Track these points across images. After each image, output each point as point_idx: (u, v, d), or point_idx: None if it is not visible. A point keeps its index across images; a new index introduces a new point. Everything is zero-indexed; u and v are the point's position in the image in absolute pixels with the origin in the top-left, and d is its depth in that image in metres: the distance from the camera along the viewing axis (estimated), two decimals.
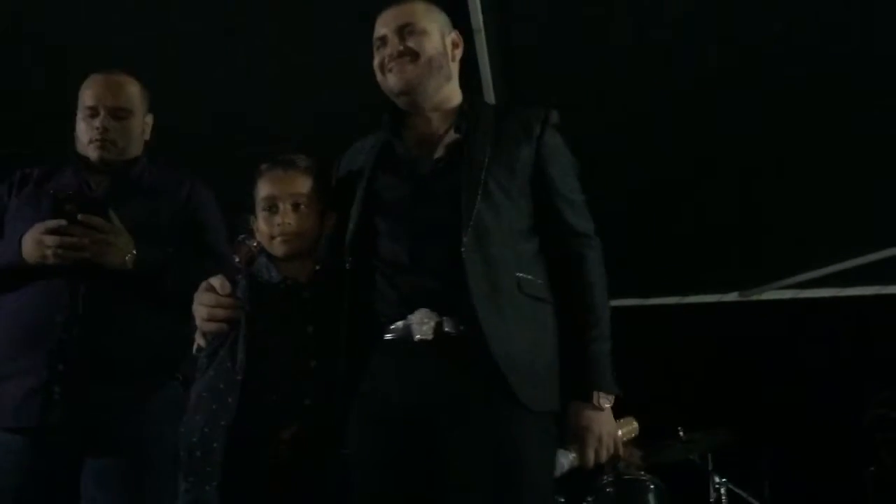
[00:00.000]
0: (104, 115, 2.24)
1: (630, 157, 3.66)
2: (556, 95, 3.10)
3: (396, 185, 1.84)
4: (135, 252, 2.10)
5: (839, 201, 3.97)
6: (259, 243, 2.03)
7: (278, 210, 1.91)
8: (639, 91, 3.28)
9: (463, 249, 1.68)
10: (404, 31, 1.86)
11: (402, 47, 1.84)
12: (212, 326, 1.86)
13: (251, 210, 2.00)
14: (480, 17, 2.90)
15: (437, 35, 1.89)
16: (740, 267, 4.88)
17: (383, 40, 1.88)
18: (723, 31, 2.95)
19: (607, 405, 1.74)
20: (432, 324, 1.69)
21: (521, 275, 1.74)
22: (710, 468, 4.01)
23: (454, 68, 1.94)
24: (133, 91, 2.30)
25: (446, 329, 1.69)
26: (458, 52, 1.95)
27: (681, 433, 3.95)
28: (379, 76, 1.90)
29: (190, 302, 2.17)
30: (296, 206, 1.91)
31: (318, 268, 1.94)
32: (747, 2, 2.82)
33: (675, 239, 4.39)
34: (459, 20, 2.82)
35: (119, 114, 2.25)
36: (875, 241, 4.43)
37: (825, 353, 4.78)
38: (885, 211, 4.04)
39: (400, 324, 1.74)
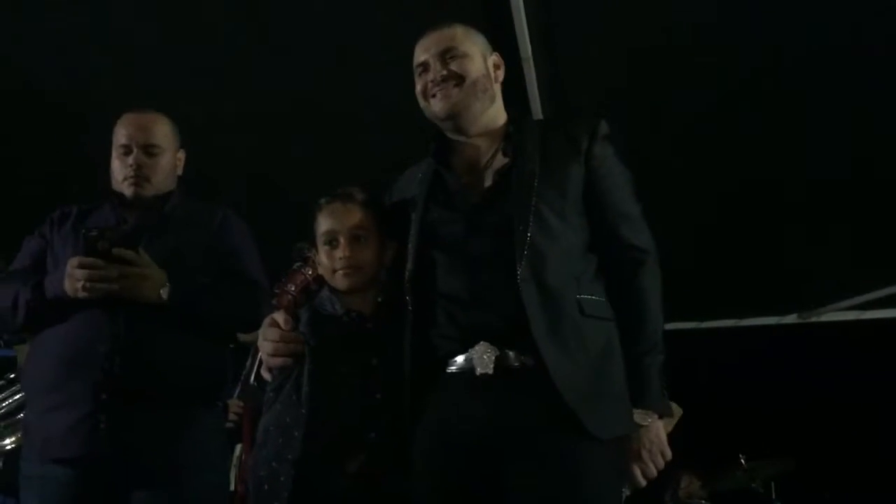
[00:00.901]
0: (137, 152, 2.30)
1: (688, 178, 3.62)
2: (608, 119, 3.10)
3: (449, 218, 1.83)
4: (168, 285, 2.15)
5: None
6: (314, 273, 2.05)
7: (339, 244, 1.93)
8: (691, 113, 3.25)
9: (519, 280, 1.67)
10: (446, 55, 1.85)
11: (445, 72, 1.84)
12: (277, 361, 1.87)
13: (311, 241, 2.03)
14: (529, 45, 2.92)
15: (479, 58, 1.89)
16: (798, 288, 4.78)
17: (425, 66, 1.88)
18: (779, 48, 2.91)
19: (650, 420, 1.70)
20: (493, 357, 1.68)
21: (582, 297, 1.71)
22: (773, 497, 3.92)
23: (497, 90, 1.93)
24: (164, 128, 2.37)
25: (508, 362, 1.68)
26: (501, 74, 1.95)
27: (742, 461, 3.88)
28: (422, 102, 1.90)
29: (226, 329, 2.24)
30: (356, 239, 1.93)
31: (380, 300, 1.95)
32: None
33: (732, 261, 4.32)
34: (507, 49, 2.88)
35: (151, 150, 2.32)
36: None
37: (890, 378, 4.64)
38: None
39: (461, 358, 1.73)
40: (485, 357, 1.68)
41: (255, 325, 2.07)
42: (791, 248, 4.21)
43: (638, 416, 1.69)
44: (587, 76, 3.15)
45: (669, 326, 5.44)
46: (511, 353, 1.68)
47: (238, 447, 3.27)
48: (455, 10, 2.69)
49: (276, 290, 2.34)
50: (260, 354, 1.94)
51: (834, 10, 2.69)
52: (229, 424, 3.43)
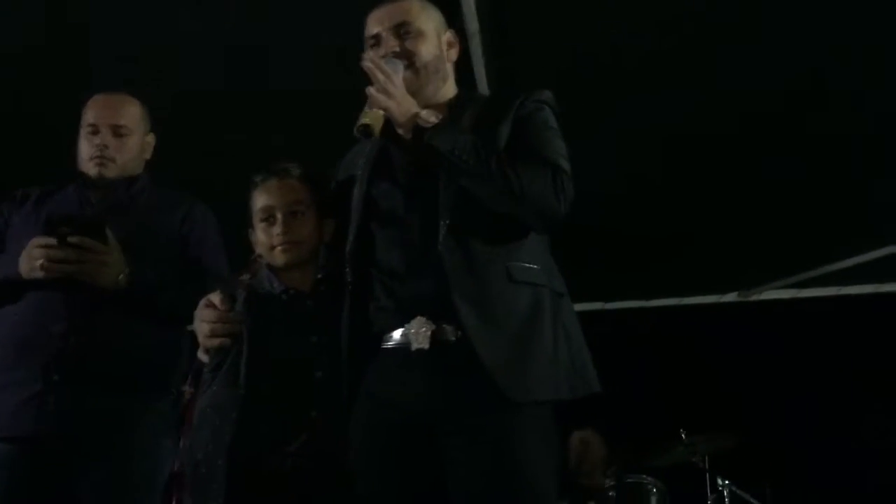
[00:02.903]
0: (105, 132, 2.28)
1: (627, 157, 3.64)
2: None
3: (391, 192, 1.81)
4: (127, 271, 2.12)
5: (837, 199, 3.96)
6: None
7: (276, 220, 1.90)
8: (636, 91, 3.26)
9: (440, 248, 1.65)
10: (400, 30, 1.81)
11: (398, 48, 1.80)
12: (214, 342, 1.85)
13: (248, 223, 1.99)
14: (476, 21, 2.89)
15: (434, 36, 1.85)
16: (738, 266, 4.87)
17: (377, 39, 1.83)
18: (727, 29, 2.93)
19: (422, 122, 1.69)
20: (429, 332, 1.66)
21: (511, 263, 1.69)
22: (708, 470, 4.00)
23: (450, 69, 1.91)
24: (133, 110, 2.36)
25: (443, 337, 1.66)
26: (454, 53, 1.92)
27: (683, 436, 3.95)
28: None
29: (184, 318, 2.16)
30: (293, 215, 1.91)
31: (319, 276, 1.93)
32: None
33: (673, 240, 4.38)
34: (454, 24, 2.84)
35: (119, 131, 2.30)
36: (872, 239, 4.43)
37: (825, 353, 4.77)
38: (882, 209, 4.03)
39: (398, 333, 1.72)
40: (420, 331, 1.67)
41: None
42: (731, 228, 4.27)
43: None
44: (536, 54, 3.13)
45: (614, 305, 5.54)
46: (447, 328, 1.66)
47: None
48: None
49: (232, 280, 2.32)
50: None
51: None
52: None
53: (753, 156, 3.65)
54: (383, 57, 1.79)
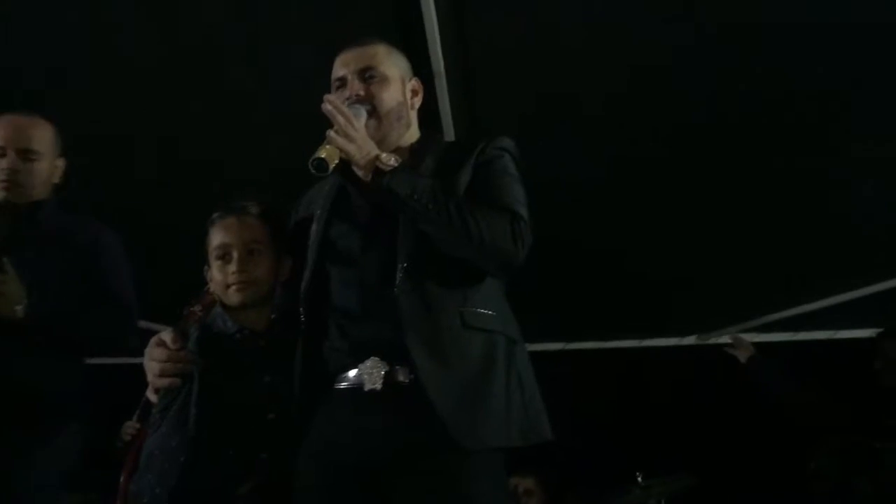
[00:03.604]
0: (12, 156, 2.21)
1: (588, 200, 3.68)
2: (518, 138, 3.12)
3: (348, 233, 1.81)
4: (26, 302, 2.06)
5: (796, 248, 4.03)
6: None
7: (232, 258, 1.88)
8: (596, 135, 3.30)
9: (396, 290, 1.65)
10: (365, 74, 1.82)
11: (362, 92, 1.80)
12: (164, 382, 1.81)
13: (205, 258, 1.97)
14: (441, 61, 2.91)
15: (398, 83, 1.86)
16: (698, 310, 4.92)
17: (342, 81, 1.84)
18: (697, 79, 2.99)
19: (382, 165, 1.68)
20: (382, 373, 1.65)
21: (466, 308, 1.69)
22: None
23: (414, 115, 1.92)
24: (44, 133, 2.29)
25: (396, 378, 1.65)
26: (418, 101, 1.93)
27: (639, 478, 3.94)
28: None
29: (88, 350, 2.20)
30: (250, 254, 1.89)
31: (274, 316, 1.91)
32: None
33: (633, 283, 4.41)
34: (420, 64, 2.87)
35: (28, 156, 2.23)
36: (827, 288, 4.51)
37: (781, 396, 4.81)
38: (838, 258, 4.11)
39: (352, 373, 1.70)
40: (374, 372, 1.66)
41: (120, 349, 1.99)
42: (691, 272, 4.32)
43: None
44: (500, 95, 3.17)
45: (574, 346, 5.54)
46: (400, 369, 1.65)
47: None
48: (367, 18, 2.70)
49: (184, 312, 2.28)
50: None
51: None
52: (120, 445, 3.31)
53: (715, 202, 3.70)
54: (346, 100, 1.79)
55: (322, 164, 1.64)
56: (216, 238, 1.91)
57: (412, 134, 1.91)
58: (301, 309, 1.79)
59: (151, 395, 1.85)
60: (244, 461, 1.76)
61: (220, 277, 1.89)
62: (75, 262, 2.23)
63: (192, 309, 2.24)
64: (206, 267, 1.96)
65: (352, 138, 1.67)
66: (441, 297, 1.67)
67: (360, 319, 1.72)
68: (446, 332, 1.65)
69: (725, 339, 5.14)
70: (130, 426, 3.27)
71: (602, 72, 2.95)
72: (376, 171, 1.69)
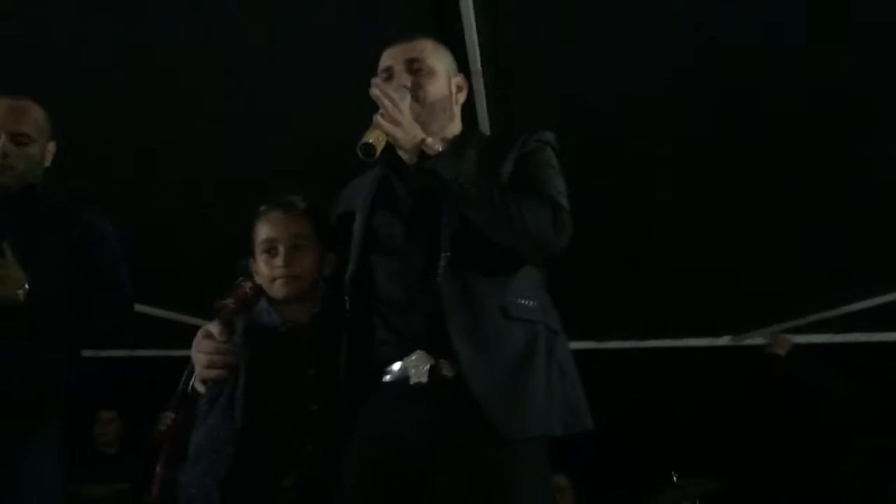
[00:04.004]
0: (5, 139, 2.20)
1: (626, 198, 3.67)
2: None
3: (392, 223, 1.82)
4: (27, 287, 2.04)
5: (831, 248, 3.98)
6: (254, 286, 2.02)
7: (278, 252, 1.89)
8: (634, 134, 3.29)
9: (438, 281, 1.66)
10: (412, 66, 1.84)
11: (408, 84, 1.82)
12: (211, 374, 1.83)
13: (250, 254, 1.99)
14: (478, 60, 2.92)
15: (444, 77, 1.88)
16: (733, 311, 4.89)
17: (390, 72, 1.86)
18: (724, 79, 2.97)
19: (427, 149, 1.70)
20: (427, 367, 1.67)
21: (507, 299, 1.70)
22: None
23: (457, 110, 1.93)
24: (36, 117, 2.28)
25: (441, 372, 1.66)
26: (462, 96, 1.95)
27: (675, 478, 3.93)
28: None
29: (84, 340, 2.20)
30: (296, 248, 1.90)
31: (317, 310, 1.92)
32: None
33: (669, 283, 4.39)
34: (457, 62, 2.88)
35: (20, 139, 2.23)
36: (866, 290, 4.45)
37: (816, 399, 4.76)
38: (879, 259, 4.06)
39: (397, 367, 1.71)
40: (419, 366, 1.67)
41: (117, 337, 1.99)
42: (728, 273, 4.29)
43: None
44: (535, 93, 3.17)
45: (609, 345, 5.54)
46: (445, 363, 1.66)
47: None
48: (404, 19, 2.71)
49: (216, 305, 2.31)
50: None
51: None
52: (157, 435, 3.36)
53: (752, 203, 3.68)
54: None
55: (370, 148, 1.64)
56: (263, 232, 1.93)
57: (455, 127, 1.92)
58: (346, 299, 1.81)
59: (199, 387, 1.86)
60: (289, 454, 1.78)
61: (267, 271, 1.91)
62: (73, 248, 2.21)
63: (224, 302, 2.27)
64: (250, 259, 1.98)
65: (398, 122, 1.68)
66: (483, 287, 1.68)
67: (404, 310, 1.73)
68: (488, 321, 1.66)
69: (760, 340, 5.12)
70: (167, 416, 3.32)
71: (639, 68, 2.94)
72: (422, 154, 1.71)
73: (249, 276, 2.09)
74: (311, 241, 1.92)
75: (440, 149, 1.71)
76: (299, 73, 2.94)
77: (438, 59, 1.89)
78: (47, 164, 2.34)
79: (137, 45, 2.75)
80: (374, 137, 1.66)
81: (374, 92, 1.71)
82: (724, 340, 5.32)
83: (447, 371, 1.66)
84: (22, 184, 2.24)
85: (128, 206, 3.52)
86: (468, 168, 1.70)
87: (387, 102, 1.69)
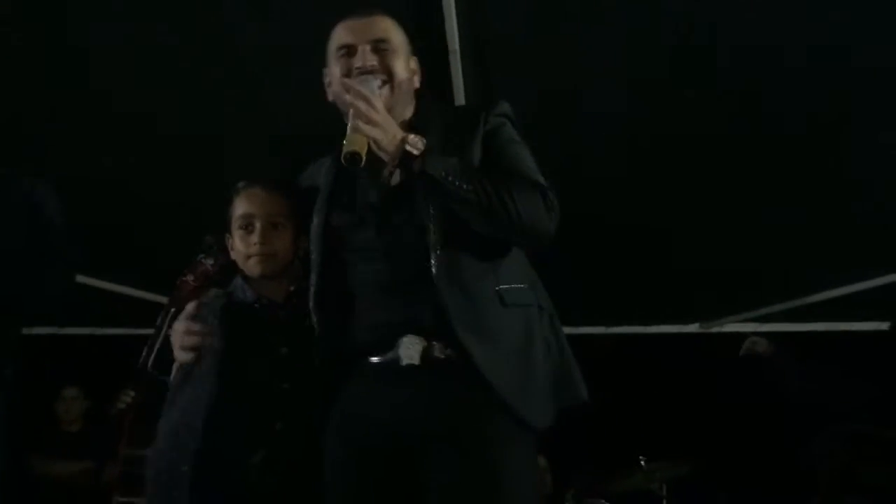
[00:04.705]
0: None
1: (598, 181, 3.66)
2: (531, 118, 3.11)
3: (357, 220, 1.77)
4: None
5: (800, 238, 4.02)
6: (215, 263, 1.99)
7: (254, 229, 1.87)
8: (608, 113, 3.29)
9: (434, 279, 1.64)
10: (379, 45, 1.75)
11: (375, 62, 1.73)
12: (186, 356, 1.80)
13: (225, 230, 1.96)
14: (457, 39, 2.89)
15: (405, 58, 1.81)
16: (702, 298, 4.93)
17: (350, 49, 1.75)
18: (703, 80, 2.97)
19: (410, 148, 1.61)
20: (420, 348, 1.65)
21: (502, 287, 1.69)
22: (664, 497, 4.03)
23: (414, 89, 1.85)
24: None
25: (434, 353, 1.65)
26: (418, 80, 1.86)
27: (642, 462, 3.96)
28: (337, 89, 1.76)
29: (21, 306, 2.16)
30: (272, 226, 1.88)
31: (293, 289, 1.90)
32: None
33: (639, 270, 4.41)
34: (436, 41, 2.85)
35: None
36: (829, 280, 4.51)
37: (781, 385, 4.83)
38: (842, 250, 4.10)
39: (385, 349, 1.68)
40: (411, 348, 1.65)
41: (58, 304, 2.05)
42: (696, 261, 4.32)
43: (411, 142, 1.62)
44: (514, 72, 3.14)
45: (579, 331, 5.54)
46: (437, 345, 1.65)
47: None
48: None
49: (177, 282, 2.27)
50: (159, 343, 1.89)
51: None
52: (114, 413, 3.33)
53: (721, 192, 3.69)
54: (357, 69, 1.72)
55: (356, 157, 1.56)
56: (240, 208, 1.90)
57: (411, 108, 1.84)
58: (313, 308, 1.77)
59: (181, 356, 1.82)
60: (258, 431, 1.77)
61: (242, 247, 1.88)
62: (14, 217, 2.16)
63: (184, 279, 2.24)
64: (226, 235, 1.95)
65: (376, 122, 1.60)
66: (478, 280, 1.67)
67: (388, 296, 1.70)
68: (490, 311, 1.66)
69: (728, 328, 5.17)
70: (126, 394, 3.29)
71: (622, 51, 2.92)
72: (404, 154, 1.62)
73: (214, 253, 2.06)
74: (287, 220, 1.89)
75: (422, 146, 1.63)
76: (277, 56, 2.90)
77: (401, 40, 1.81)
78: None
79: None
80: (358, 144, 1.57)
81: (348, 98, 1.62)
82: (693, 328, 5.37)
83: (439, 353, 1.65)
84: None
85: (99, 185, 3.48)
86: (453, 162, 1.64)
87: (361, 105, 1.60)
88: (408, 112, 1.82)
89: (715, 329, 5.29)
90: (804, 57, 2.80)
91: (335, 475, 1.69)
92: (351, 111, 1.60)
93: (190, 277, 2.21)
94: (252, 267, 1.87)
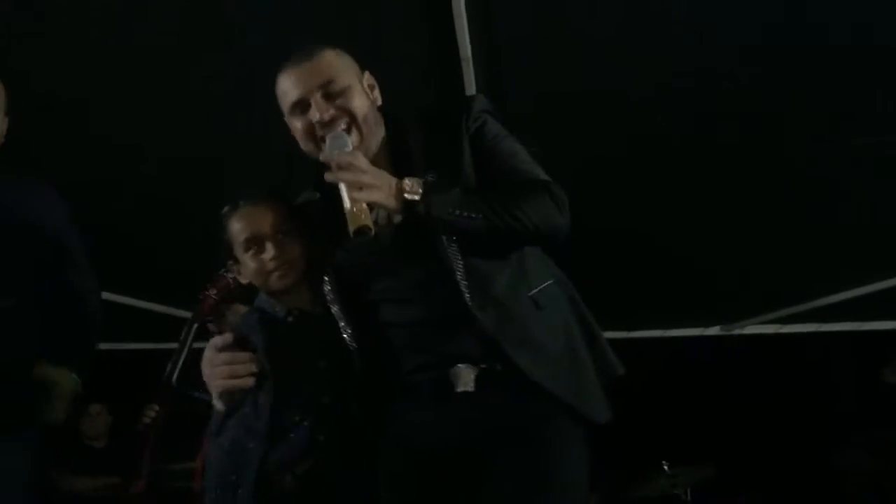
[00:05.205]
0: None
1: (616, 191, 3.66)
2: (542, 123, 3.11)
3: (369, 261, 1.73)
4: None
5: (819, 240, 4.00)
6: (235, 278, 1.99)
7: (265, 246, 1.84)
8: (622, 120, 3.28)
9: (469, 306, 1.62)
10: (328, 89, 1.66)
11: (333, 111, 1.65)
12: (235, 383, 1.71)
13: (226, 253, 1.94)
14: (469, 46, 2.90)
15: (359, 86, 1.72)
16: (723, 301, 4.90)
17: (303, 105, 1.68)
18: (706, 76, 2.96)
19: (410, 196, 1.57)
20: (473, 376, 1.65)
21: (533, 293, 1.70)
22: (688, 502, 4.00)
23: (377, 109, 1.77)
24: None
25: (488, 377, 1.65)
26: (377, 93, 1.78)
27: (665, 467, 3.94)
28: (307, 145, 1.70)
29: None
30: (282, 235, 1.85)
31: (314, 297, 1.89)
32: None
33: (659, 273, 4.39)
34: (448, 49, 2.86)
35: None
36: (851, 280, 4.47)
37: (805, 387, 4.79)
38: (861, 251, 4.07)
39: (437, 373, 1.68)
40: (465, 376, 1.65)
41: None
42: (718, 264, 4.30)
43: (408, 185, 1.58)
44: (526, 79, 3.15)
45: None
46: (489, 367, 1.65)
47: None
48: (394, 7, 2.69)
49: (200, 296, 2.27)
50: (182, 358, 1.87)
51: None
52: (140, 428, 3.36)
53: (740, 194, 3.68)
54: (319, 123, 1.66)
55: (364, 230, 1.53)
56: (241, 231, 1.85)
57: (383, 131, 1.77)
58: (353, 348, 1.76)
59: (218, 403, 1.76)
60: (302, 444, 1.80)
61: (257, 266, 1.85)
62: (26, 222, 2.10)
63: (206, 293, 2.24)
64: (229, 263, 1.94)
65: (369, 185, 1.54)
66: (511, 291, 1.67)
67: (431, 342, 1.68)
68: (530, 324, 1.66)
69: (749, 331, 5.14)
70: (151, 408, 3.31)
71: (630, 58, 2.92)
72: (405, 203, 1.58)
73: (228, 265, 2.06)
74: (291, 227, 1.86)
75: (420, 189, 1.58)
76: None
77: (346, 69, 1.71)
78: (0, 140, 2.17)
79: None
80: (362, 217, 1.53)
81: (330, 177, 1.56)
82: (713, 330, 5.33)
83: (493, 374, 1.65)
84: None
85: (119, 201, 3.51)
86: (455, 194, 1.59)
87: (348, 176, 1.54)
88: (380, 133, 1.75)
89: (736, 331, 5.26)
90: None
91: (392, 487, 1.69)
92: (341, 186, 1.55)
93: (212, 292, 2.23)
94: (276, 282, 1.85)
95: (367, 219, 1.53)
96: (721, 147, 3.36)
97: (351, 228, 1.52)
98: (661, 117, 3.19)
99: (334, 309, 1.78)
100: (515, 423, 1.63)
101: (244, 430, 1.77)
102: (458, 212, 1.58)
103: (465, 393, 1.65)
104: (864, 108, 3.05)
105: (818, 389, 4.60)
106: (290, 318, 1.87)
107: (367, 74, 1.78)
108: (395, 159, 1.73)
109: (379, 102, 1.78)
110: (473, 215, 1.58)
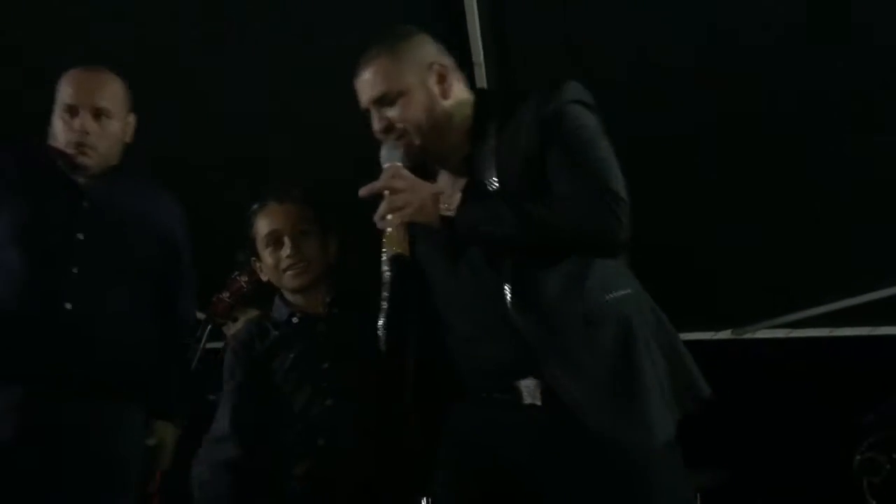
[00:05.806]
0: (84, 115, 2.04)
1: (633, 192, 3.66)
2: None
3: (430, 255, 1.69)
4: None
5: (833, 243, 3.98)
6: (249, 280, 2.01)
7: (284, 243, 1.86)
8: (635, 130, 3.28)
9: (511, 315, 1.52)
10: (383, 101, 1.64)
11: (385, 123, 1.64)
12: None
13: (249, 248, 1.96)
14: (481, 50, 2.90)
15: (418, 87, 1.65)
16: (733, 305, 4.89)
17: (368, 111, 1.69)
18: (723, 80, 2.96)
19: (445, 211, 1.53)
20: (540, 391, 1.54)
21: (590, 304, 1.54)
22: None
23: (450, 102, 1.68)
24: (115, 89, 2.12)
25: (553, 394, 1.53)
26: (451, 84, 1.68)
27: None
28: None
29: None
30: (300, 235, 1.88)
31: (330, 299, 1.91)
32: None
33: (669, 276, 4.38)
34: (461, 54, 2.86)
35: (101, 113, 2.06)
36: (864, 284, 4.45)
37: (817, 392, 4.78)
38: (878, 254, 4.06)
39: (503, 385, 1.60)
40: (532, 388, 1.56)
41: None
42: (728, 268, 4.29)
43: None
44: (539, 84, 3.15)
45: None
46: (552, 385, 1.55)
47: None
48: (407, 9, 2.70)
49: (213, 299, 2.30)
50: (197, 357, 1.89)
51: None
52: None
53: (752, 197, 3.67)
54: (377, 131, 1.66)
55: (401, 258, 1.51)
56: (264, 227, 1.89)
57: (461, 117, 1.67)
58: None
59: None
60: (301, 446, 1.79)
61: (273, 262, 1.88)
62: (149, 224, 2.12)
63: (220, 296, 2.26)
64: (253, 259, 1.95)
65: (401, 207, 1.52)
66: (557, 303, 1.53)
67: (478, 345, 1.62)
68: (575, 340, 1.52)
69: (761, 335, 5.12)
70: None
71: (646, 61, 2.92)
72: (443, 219, 1.54)
73: (247, 270, 2.08)
74: (313, 227, 1.90)
75: (454, 204, 1.53)
76: (302, 65, 2.92)
77: (402, 73, 1.65)
78: (128, 139, 2.17)
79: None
80: (396, 242, 1.52)
81: (362, 192, 1.55)
82: (724, 334, 5.32)
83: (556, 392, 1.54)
84: (105, 164, 2.10)
85: None
86: (488, 208, 1.53)
87: (384, 196, 1.53)
88: (461, 123, 1.67)
89: (748, 335, 5.24)
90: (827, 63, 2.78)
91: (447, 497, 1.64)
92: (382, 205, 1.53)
93: (226, 294, 2.24)
94: (289, 280, 1.88)
95: (400, 245, 1.51)
96: (734, 149, 3.36)
97: (384, 255, 1.51)
98: (668, 118, 3.20)
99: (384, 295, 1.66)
100: (580, 456, 1.50)
101: (241, 417, 1.81)
102: (484, 227, 1.52)
103: (532, 408, 1.56)
104: (881, 109, 3.04)
105: (832, 394, 4.56)
106: (293, 320, 1.89)
107: (437, 65, 1.68)
108: (473, 156, 1.65)
109: (450, 93, 1.67)
110: (499, 232, 1.51)
